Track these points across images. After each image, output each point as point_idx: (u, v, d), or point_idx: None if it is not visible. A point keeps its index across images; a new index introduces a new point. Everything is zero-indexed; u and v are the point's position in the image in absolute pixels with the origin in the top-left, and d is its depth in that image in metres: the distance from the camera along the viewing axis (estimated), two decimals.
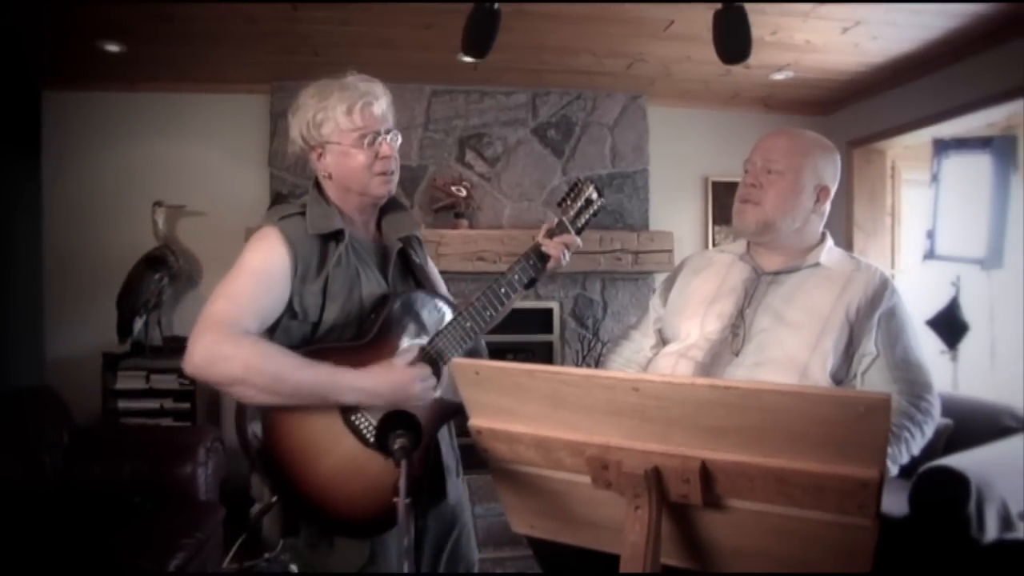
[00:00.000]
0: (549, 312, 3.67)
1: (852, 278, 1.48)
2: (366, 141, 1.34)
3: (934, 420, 1.38)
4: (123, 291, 3.23)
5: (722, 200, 3.88)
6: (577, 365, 3.62)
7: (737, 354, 1.44)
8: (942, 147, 3.39)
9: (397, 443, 0.88)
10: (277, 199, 3.39)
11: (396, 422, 0.92)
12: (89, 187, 3.47)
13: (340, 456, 1.32)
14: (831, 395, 0.89)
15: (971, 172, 3.31)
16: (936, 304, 3.39)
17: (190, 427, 3.10)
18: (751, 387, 0.81)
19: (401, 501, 0.82)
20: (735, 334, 1.46)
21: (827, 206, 1.54)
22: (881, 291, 1.45)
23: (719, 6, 2.41)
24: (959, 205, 3.37)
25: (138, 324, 3.26)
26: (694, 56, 3.14)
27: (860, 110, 3.71)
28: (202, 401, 3.26)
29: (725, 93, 3.67)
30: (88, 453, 2.59)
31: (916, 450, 1.35)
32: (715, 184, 3.89)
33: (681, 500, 0.88)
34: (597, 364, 3.62)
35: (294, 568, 2.78)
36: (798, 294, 1.47)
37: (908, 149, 3.73)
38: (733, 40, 1.25)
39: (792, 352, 1.40)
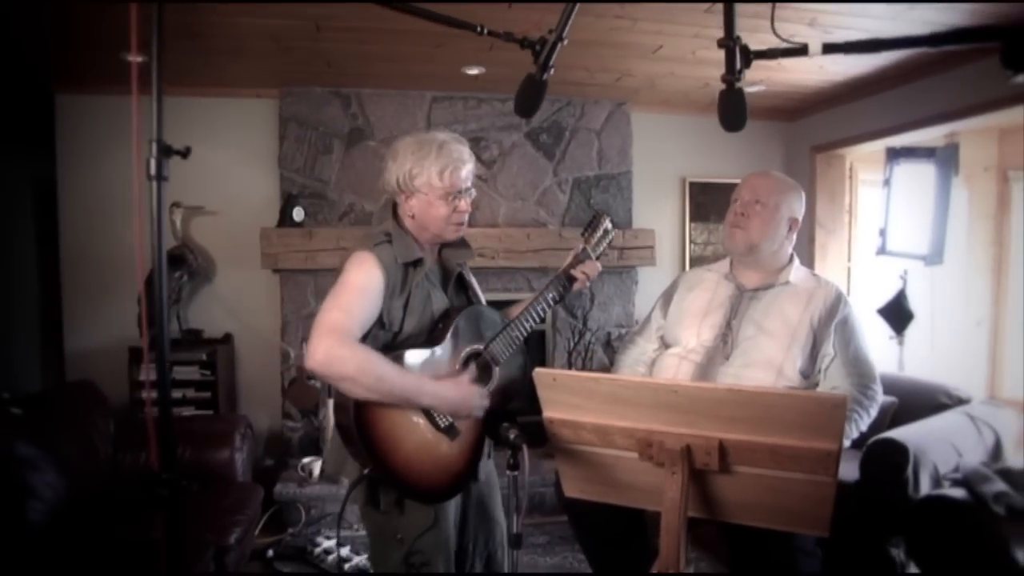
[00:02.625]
0: None
1: (814, 293, 1.92)
2: (450, 197, 1.68)
3: (877, 404, 1.84)
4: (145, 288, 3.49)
5: (698, 199, 4.34)
6: (568, 352, 4.04)
7: (727, 358, 1.87)
8: (894, 155, 3.90)
9: (512, 434, 1.26)
10: (288, 200, 3.69)
11: (502, 417, 1.31)
12: (102, 188, 3.70)
13: (417, 439, 1.68)
14: (809, 396, 1.32)
15: (918, 178, 3.82)
16: (886, 294, 3.92)
17: (224, 415, 3.42)
18: (755, 390, 1.23)
19: (524, 476, 1.21)
20: (725, 341, 1.90)
21: (795, 235, 1.98)
22: (837, 304, 1.90)
23: (708, 33, 2.84)
24: (907, 207, 3.89)
25: None
26: (677, 72, 3.55)
27: (823, 119, 4.18)
28: (222, 390, 3.57)
29: (702, 101, 4.08)
30: (133, 441, 2.90)
31: (864, 427, 1.81)
32: (692, 184, 4.33)
33: (704, 467, 1.30)
34: (586, 352, 4.06)
35: (323, 540, 3.17)
36: (773, 308, 1.91)
37: (865, 152, 4.22)
38: (733, 115, 1.64)
39: (770, 355, 1.84)
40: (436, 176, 1.66)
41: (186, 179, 3.71)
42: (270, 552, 3.14)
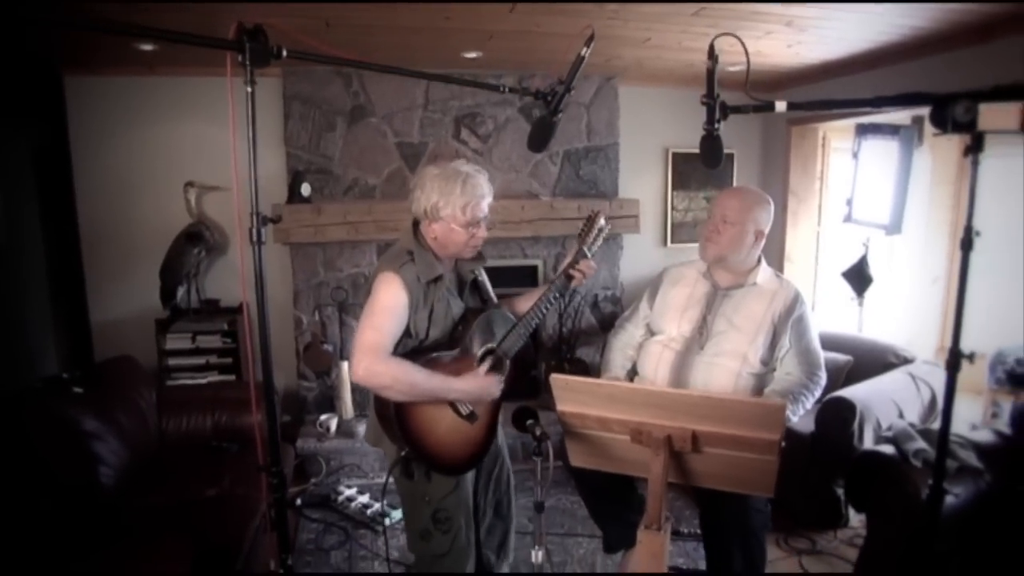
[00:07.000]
0: (535, 268, 4.49)
1: (777, 293, 2.37)
2: (470, 227, 2.06)
3: (821, 387, 2.33)
4: (166, 264, 3.85)
5: (680, 168, 4.73)
6: (560, 313, 4.49)
7: (702, 347, 2.33)
8: (862, 130, 4.30)
9: (538, 430, 1.72)
10: (296, 176, 4.01)
11: (527, 414, 1.76)
12: (116, 166, 3.98)
13: (444, 425, 2.12)
14: (758, 402, 1.79)
15: (883, 153, 4.24)
16: (849, 259, 4.40)
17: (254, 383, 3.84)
18: (720, 397, 1.69)
19: (550, 461, 1.67)
20: (701, 333, 2.35)
21: (762, 243, 2.41)
22: (794, 303, 2.35)
23: (694, 29, 3.18)
24: (872, 179, 4.32)
25: (180, 292, 3.91)
26: (663, 56, 3.87)
27: (798, 94, 4.56)
28: (244, 357, 3.98)
29: (686, 76, 4.41)
30: (175, 409, 3.33)
31: (809, 405, 2.30)
32: (675, 155, 4.71)
33: (681, 449, 1.77)
34: (576, 313, 4.53)
35: (344, 488, 3.66)
36: (742, 305, 2.36)
37: (838, 123, 4.62)
38: (712, 154, 2.04)
39: (737, 346, 2.30)
40: (460, 211, 2.02)
41: (192, 156, 4.00)
42: (298, 501, 3.62)
